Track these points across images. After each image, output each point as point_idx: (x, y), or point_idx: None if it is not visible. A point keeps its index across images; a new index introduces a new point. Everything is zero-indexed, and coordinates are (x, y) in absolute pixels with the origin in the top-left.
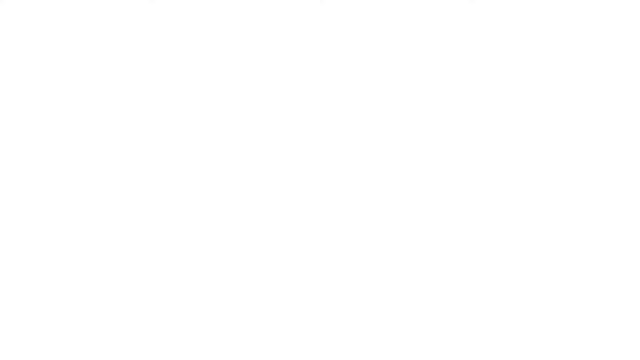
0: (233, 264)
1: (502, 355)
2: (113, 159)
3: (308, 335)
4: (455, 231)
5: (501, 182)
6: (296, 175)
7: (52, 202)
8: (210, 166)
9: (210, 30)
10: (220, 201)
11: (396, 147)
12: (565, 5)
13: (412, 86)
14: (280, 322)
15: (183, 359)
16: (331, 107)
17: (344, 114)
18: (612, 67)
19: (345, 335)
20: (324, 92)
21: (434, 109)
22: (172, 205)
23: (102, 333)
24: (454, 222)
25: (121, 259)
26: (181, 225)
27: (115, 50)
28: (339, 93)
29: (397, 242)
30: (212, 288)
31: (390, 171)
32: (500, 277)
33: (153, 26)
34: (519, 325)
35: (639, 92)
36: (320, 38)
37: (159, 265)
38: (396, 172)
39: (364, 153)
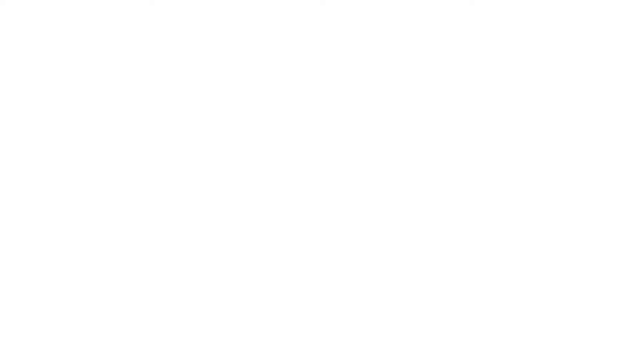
0: (233, 263)
1: (502, 355)
2: (113, 158)
3: (308, 335)
4: (455, 231)
5: (501, 181)
6: (296, 174)
7: (52, 202)
8: (210, 165)
9: (210, 30)
10: (220, 200)
11: (396, 147)
12: (565, 5)
13: (412, 86)
14: (280, 322)
15: (183, 359)
16: (331, 106)
17: (343, 113)
18: (612, 67)
19: (345, 335)
20: (324, 92)
21: (434, 109)
22: (171, 204)
23: (102, 333)
24: (453, 222)
25: (121, 258)
26: (181, 224)
27: (115, 50)
28: (339, 93)
29: (397, 242)
30: (212, 288)
31: (390, 171)
32: (500, 277)
33: (153, 26)
34: (519, 325)
35: (639, 92)
36: (320, 38)
37: (159, 265)
38: (396, 171)
39: (363, 152)
